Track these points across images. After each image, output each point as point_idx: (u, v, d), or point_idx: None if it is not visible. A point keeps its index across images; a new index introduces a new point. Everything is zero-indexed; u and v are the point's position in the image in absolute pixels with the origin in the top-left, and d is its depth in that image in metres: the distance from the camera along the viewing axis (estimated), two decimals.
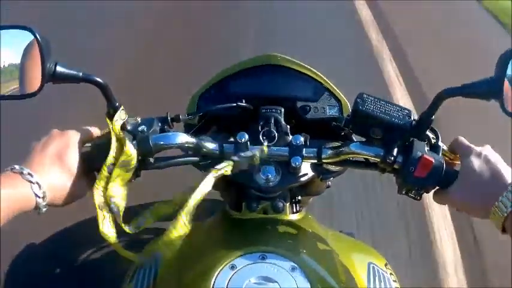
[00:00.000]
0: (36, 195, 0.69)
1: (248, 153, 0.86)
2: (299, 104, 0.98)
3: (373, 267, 0.99)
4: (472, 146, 0.83)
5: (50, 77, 0.76)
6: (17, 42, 0.78)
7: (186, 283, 0.83)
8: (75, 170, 0.77)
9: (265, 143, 0.90)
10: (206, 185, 0.80)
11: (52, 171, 0.73)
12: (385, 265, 1.03)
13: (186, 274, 0.85)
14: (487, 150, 0.81)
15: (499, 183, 0.75)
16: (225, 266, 0.80)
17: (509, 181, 0.75)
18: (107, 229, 0.78)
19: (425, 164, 0.81)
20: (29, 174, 0.69)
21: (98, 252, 1.96)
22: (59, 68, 0.76)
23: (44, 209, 0.71)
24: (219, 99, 0.97)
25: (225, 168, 0.83)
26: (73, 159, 0.77)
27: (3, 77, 0.77)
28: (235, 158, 0.85)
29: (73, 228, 2.08)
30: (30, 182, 0.68)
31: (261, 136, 0.91)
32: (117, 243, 0.80)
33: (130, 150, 0.79)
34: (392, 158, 0.84)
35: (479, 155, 0.80)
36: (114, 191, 0.79)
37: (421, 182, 0.82)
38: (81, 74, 0.78)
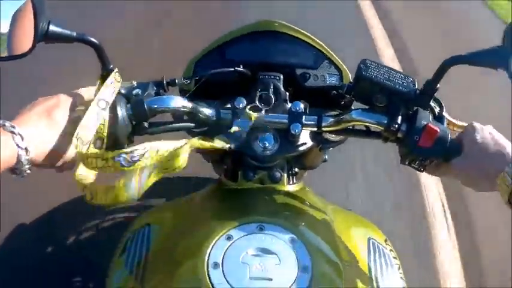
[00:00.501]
0: (18, 146, 0.65)
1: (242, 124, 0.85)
2: (298, 71, 0.96)
3: (373, 243, 0.97)
4: (475, 122, 0.82)
5: (43, 36, 0.73)
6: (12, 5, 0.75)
7: (180, 255, 0.80)
8: (64, 129, 0.73)
9: (264, 109, 0.88)
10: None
11: (38, 127, 0.69)
12: (385, 241, 1.01)
13: (180, 246, 0.82)
14: (490, 127, 0.81)
15: (503, 155, 0.76)
16: (220, 236, 0.77)
17: None
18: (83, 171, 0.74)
19: (431, 133, 0.79)
20: (11, 126, 0.65)
21: (89, 230, 1.95)
22: (52, 27, 0.73)
23: (27, 166, 0.67)
24: (217, 65, 0.95)
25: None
26: (62, 119, 0.73)
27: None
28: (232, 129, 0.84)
29: (62, 207, 2.06)
30: (12, 132, 0.65)
31: (258, 101, 0.89)
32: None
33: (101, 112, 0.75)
34: (396, 126, 0.83)
35: (482, 129, 0.80)
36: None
37: (425, 151, 0.80)
38: (75, 33, 0.76)
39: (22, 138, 0.65)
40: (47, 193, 2.05)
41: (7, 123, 0.65)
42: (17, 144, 0.64)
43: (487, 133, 0.79)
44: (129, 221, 1.04)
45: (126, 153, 0.69)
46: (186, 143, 0.75)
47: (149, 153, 0.71)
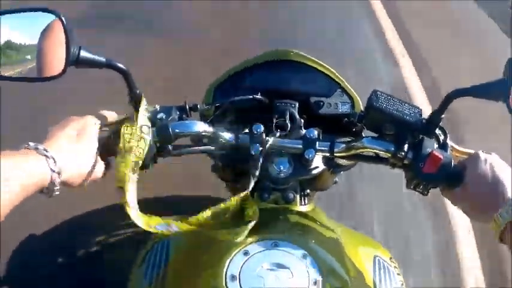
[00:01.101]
0: (52, 170, 0.66)
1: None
2: (313, 99, 1.01)
3: (379, 260, 1.01)
4: (480, 152, 0.85)
5: (74, 61, 0.76)
6: (34, 24, 0.78)
7: (199, 268, 0.84)
8: (92, 151, 0.76)
9: (280, 135, 0.93)
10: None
11: (68, 150, 0.72)
12: (390, 259, 1.05)
13: (199, 259, 0.87)
14: (494, 158, 0.83)
15: (501, 194, 0.77)
16: (238, 252, 0.82)
17: (510, 195, 0.76)
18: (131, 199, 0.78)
19: (435, 160, 0.83)
20: (44, 149, 0.67)
21: (100, 243, 1.97)
22: (83, 53, 0.77)
23: (57, 187, 0.69)
24: (235, 91, 1.00)
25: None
26: (90, 141, 0.76)
27: (17, 58, 0.77)
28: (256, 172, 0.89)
29: (73, 220, 2.08)
30: (46, 156, 0.66)
31: (274, 128, 0.93)
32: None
33: (146, 142, 0.79)
34: (403, 154, 0.87)
35: (485, 161, 0.82)
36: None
37: (429, 177, 0.85)
38: (104, 59, 0.79)
39: (55, 162, 0.67)
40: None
41: (40, 147, 0.67)
42: (51, 168, 0.66)
43: (488, 165, 0.81)
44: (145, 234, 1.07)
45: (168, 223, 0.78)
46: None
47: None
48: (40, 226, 2.05)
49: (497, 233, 0.75)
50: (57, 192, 0.69)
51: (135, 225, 0.77)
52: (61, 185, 0.70)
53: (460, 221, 2.36)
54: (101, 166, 0.79)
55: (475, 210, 0.82)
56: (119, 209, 0.77)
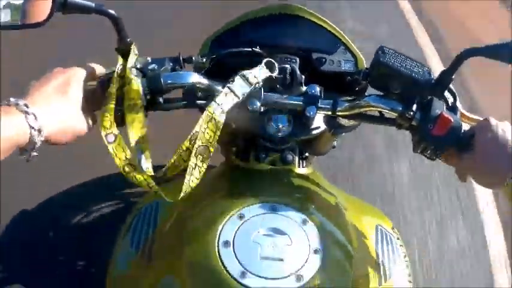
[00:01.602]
0: (31, 127, 0.62)
1: (236, 76, 0.82)
2: (314, 55, 0.97)
3: (381, 230, 0.98)
4: (491, 118, 0.81)
5: (60, 6, 0.72)
6: None
7: (189, 233, 0.80)
8: (77, 105, 0.72)
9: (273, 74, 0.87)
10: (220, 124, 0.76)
11: (51, 104, 0.68)
12: (392, 228, 1.02)
13: (189, 223, 0.82)
14: (506, 124, 0.80)
15: None
16: (232, 215, 0.77)
17: None
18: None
19: (444, 122, 0.79)
20: (24, 105, 0.63)
21: (94, 214, 1.95)
22: None
23: (37, 145, 0.64)
24: (233, 45, 0.95)
25: (225, 96, 0.79)
26: (75, 94, 0.72)
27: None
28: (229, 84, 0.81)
29: (67, 192, 2.06)
30: (26, 112, 0.62)
31: (274, 83, 0.89)
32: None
33: (138, 88, 0.76)
34: (411, 113, 0.83)
35: (496, 126, 0.79)
36: (132, 136, 0.75)
37: (438, 140, 0.81)
38: (93, 4, 0.75)
39: (36, 118, 0.63)
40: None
41: (20, 102, 0.63)
42: (30, 125, 0.62)
43: (500, 131, 0.78)
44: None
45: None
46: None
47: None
48: None
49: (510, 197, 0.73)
50: (35, 153, 0.65)
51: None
52: (43, 142, 0.65)
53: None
54: (86, 121, 0.74)
55: (486, 175, 0.79)
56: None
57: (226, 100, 0.78)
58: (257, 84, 0.83)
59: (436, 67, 3.29)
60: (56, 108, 0.68)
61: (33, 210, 2.00)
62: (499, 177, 0.74)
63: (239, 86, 0.80)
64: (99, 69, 0.79)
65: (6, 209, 1.90)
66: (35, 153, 0.65)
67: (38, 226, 1.97)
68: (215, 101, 0.77)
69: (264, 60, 0.86)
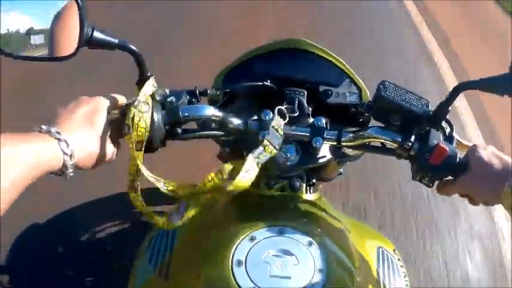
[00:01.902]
0: (64, 153, 0.67)
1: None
2: (321, 88, 1.01)
3: (383, 252, 1.02)
4: (478, 144, 0.87)
5: (87, 41, 0.77)
6: (47, 6, 0.78)
7: (205, 253, 0.85)
8: (103, 134, 0.76)
9: (285, 121, 0.92)
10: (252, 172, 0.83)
11: (80, 132, 0.72)
12: (394, 250, 1.06)
13: (205, 245, 0.87)
14: (492, 148, 0.86)
15: (505, 170, 0.81)
16: (244, 237, 0.83)
17: None
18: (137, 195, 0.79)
19: (441, 152, 0.84)
20: (57, 132, 0.67)
21: (103, 231, 1.99)
22: (96, 34, 0.77)
23: (71, 170, 0.70)
24: (245, 78, 1.00)
25: (261, 152, 0.86)
26: (101, 123, 0.76)
27: (35, 39, 0.76)
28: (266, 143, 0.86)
29: (77, 209, 2.09)
30: (58, 139, 0.67)
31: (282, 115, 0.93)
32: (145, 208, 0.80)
33: (145, 126, 0.79)
34: (409, 144, 0.88)
35: (485, 148, 0.85)
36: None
37: (435, 169, 0.85)
38: (117, 41, 0.79)
39: (67, 145, 0.68)
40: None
41: (52, 129, 0.67)
42: (63, 151, 0.67)
43: (489, 152, 0.84)
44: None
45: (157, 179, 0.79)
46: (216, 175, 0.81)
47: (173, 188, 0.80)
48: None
49: (509, 205, 0.78)
50: (71, 174, 0.70)
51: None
52: (73, 167, 0.70)
53: None
54: (111, 148, 0.79)
55: (482, 191, 0.84)
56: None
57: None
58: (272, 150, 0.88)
59: None
60: (84, 135, 0.73)
61: (43, 225, 2.03)
62: (496, 189, 0.79)
63: (261, 153, 0.86)
64: (121, 99, 0.83)
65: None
66: (71, 173, 0.70)
67: (47, 240, 2.01)
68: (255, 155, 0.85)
69: (276, 109, 0.91)
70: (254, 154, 0.84)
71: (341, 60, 1.03)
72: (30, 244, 1.99)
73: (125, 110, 0.81)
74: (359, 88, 1.03)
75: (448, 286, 2.16)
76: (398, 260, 1.04)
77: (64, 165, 0.68)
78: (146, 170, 0.78)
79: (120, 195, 2.01)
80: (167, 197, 0.80)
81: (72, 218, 2.08)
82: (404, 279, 1.01)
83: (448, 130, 0.90)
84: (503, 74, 0.83)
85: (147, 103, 0.80)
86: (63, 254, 1.97)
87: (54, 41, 0.78)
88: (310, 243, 0.83)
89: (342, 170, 1.15)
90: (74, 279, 1.87)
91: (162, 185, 0.79)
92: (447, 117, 0.89)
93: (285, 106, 0.93)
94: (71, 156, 0.68)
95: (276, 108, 0.91)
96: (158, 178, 0.79)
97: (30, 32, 0.76)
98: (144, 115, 0.79)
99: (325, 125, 0.91)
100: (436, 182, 0.90)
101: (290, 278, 0.78)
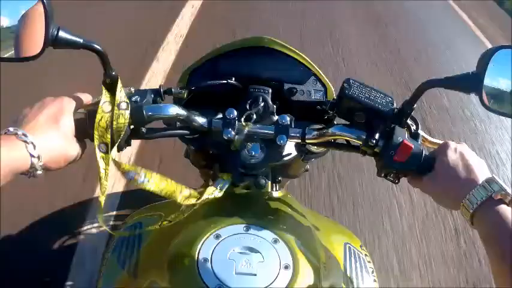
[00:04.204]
0: (31, 155, 0.68)
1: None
2: (286, 86, 1.02)
3: (349, 247, 1.03)
4: (450, 141, 0.87)
5: (52, 41, 0.77)
6: (17, 6, 0.78)
7: (172, 251, 0.85)
8: (69, 134, 0.77)
9: (252, 121, 0.94)
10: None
11: (47, 133, 0.73)
12: (360, 246, 1.07)
13: (171, 242, 0.87)
14: (463, 147, 0.86)
15: (469, 179, 0.80)
16: (209, 235, 0.83)
17: (479, 179, 0.79)
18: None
19: (405, 149, 0.85)
20: (23, 134, 0.69)
21: (75, 237, 1.98)
22: (62, 33, 0.77)
23: (39, 172, 0.71)
24: (210, 76, 1.01)
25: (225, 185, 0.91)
26: (67, 123, 0.77)
27: (4, 39, 0.76)
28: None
29: (49, 217, 2.09)
30: (25, 142, 0.68)
31: (248, 114, 0.94)
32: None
33: (125, 117, 0.81)
34: (374, 141, 0.88)
35: (455, 150, 0.85)
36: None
37: (400, 166, 0.86)
38: (82, 40, 0.79)
39: (34, 147, 0.69)
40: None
41: (19, 132, 0.68)
42: (30, 153, 0.68)
43: (458, 154, 0.83)
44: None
45: (137, 172, 0.77)
46: (189, 194, 0.84)
47: (154, 181, 0.79)
48: None
49: (467, 217, 0.78)
50: (39, 172, 0.71)
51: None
52: (41, 168, 0.71)
53: None
54: (77, 148, 0.79)
55: (445, 196, 0.84)
56: None
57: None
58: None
59: None
60: (51, 136, 0.74)
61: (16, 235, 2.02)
62: (457, 198, 0.79)
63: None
64: (87, 98, 0.84)
65: None
66: (39, 174, 0.71)
67: (20, 248, 1.99)
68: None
69: (245, 114, 0.94)
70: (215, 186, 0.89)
71: (306, 58, 1.04)
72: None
73: (92, 111, 0.81)
74: (324, 86, 1.04)
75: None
76: (366, 255, 1.05)
77: (32, 167, 0.69)
78: (119, 162, 0.78)
79: None
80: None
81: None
82: (372, 274, 1.02)
83: (413, 128, 0.92)
84: (470, 73, 0.83)
85: (126, 102, 0.81)
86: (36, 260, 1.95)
87: (20, 41, 0.78)
88: (275, 240, 0.84)
89: (307, 166, 1.17)
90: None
91: (142, 177, 0.79)
92: (412, 115, 0.90)
93: (249, 104, 0.94)
94: (38, 157, 0.69)
95: (246, 114, 0.93)
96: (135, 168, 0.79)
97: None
98: (107, 115, 0.79)
99: (289, 123, 0.92)
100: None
101: (256, 275, 0.79)
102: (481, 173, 0.81)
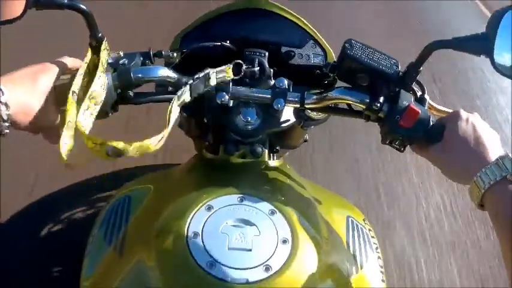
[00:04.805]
0: None
1: (201, 74, 0.83)
2: (283, 49, 0.98)
3: (352, 221, 0.98)
4: (461, 110, 0.82)
5: (34, 2, 0.73)
6: None
7: (160, 225, 0.80)
8: (47, 95, 0.73)
9: (248, 84, 0.89)
10: (174, 115, 0.77)
11: (21, 86, 0.70)
12: (364, 220, 1.02)
13: (160, 216, 0.82)
14: (476, 117, 0.81)
15: (482, 154, 0.75)
16: (201, 207, 0.78)
17: (492, 155, 0.74)
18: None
19: (412, 113, 0.80)
20: None
21: (67, 220, 1.96)
22: None
23: (6, 124, 0.66)
24: (203, 40, 0.96)
25: (184, 92, 0.80)
26: (45, 83, 0.73)
27: None
28: (190, 81, 0.81)
29: (38, 203, 2.07)
30: None
31: (242, 77, 0.89)
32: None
33: (106, 79, 0.76)
34: (378, 105, 0.84)
35: (466, 120, 0.79)
36: (82, 122, 0.72)
37: (406, 132, 0.82)
38: (65, 0, 0.75)
39: (2, 93, 0.65)
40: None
41: None
42: None
43: (470, 125, 0.78)
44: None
45: (115, 147, 0.68)
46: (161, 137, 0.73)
47: (133, 148, 0.70)
48: None
49: (477, 197, 0.73)
50: (7, 130, 0.67)
51: None
52: (10, 121, 0.67)
53: None
54: (52, 112, 0.75)
55: (454, 169, 0.80)
56: None
57: (187, 96, 0.80)
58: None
59: None
60: (25, 92, 0.70)
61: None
62: (467, 172, 0.75)
63: (201, 85, 0.82)
64: (76, 63, 0.79)
65: None
66: (6, 130, 0.67)
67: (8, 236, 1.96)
68: (177, 96, 0.78)
69: (232, 63, 0.86)
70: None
71: (304, 21, 0.99)
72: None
73: (74, 75, 0.76)
74: (324, 50, 0.99)
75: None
76: (370, 230, 1.00)
77: None
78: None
79: None
80: None
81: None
82: (376, 251, 0.96)
83: (419, 93, 0.87)
84: (480, 33, 0.79)
85: (108, 63, 0.78)
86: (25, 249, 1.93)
87: (1, 3, 0.73)
88: (272, 212, 0.79)
89: (306, 136, 1.12)
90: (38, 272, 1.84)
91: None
92: (418, 79, 0.86)
93: (245, 67, 0.89)
94: (6, 105, 0.66)
95: (233, 62, 0.87)
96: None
97: None
98: (88, 77, 0.75)
99: (287, 87, 0.87)
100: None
101: (251, 250, 0.74)
102: (495, 148, 0.76)
